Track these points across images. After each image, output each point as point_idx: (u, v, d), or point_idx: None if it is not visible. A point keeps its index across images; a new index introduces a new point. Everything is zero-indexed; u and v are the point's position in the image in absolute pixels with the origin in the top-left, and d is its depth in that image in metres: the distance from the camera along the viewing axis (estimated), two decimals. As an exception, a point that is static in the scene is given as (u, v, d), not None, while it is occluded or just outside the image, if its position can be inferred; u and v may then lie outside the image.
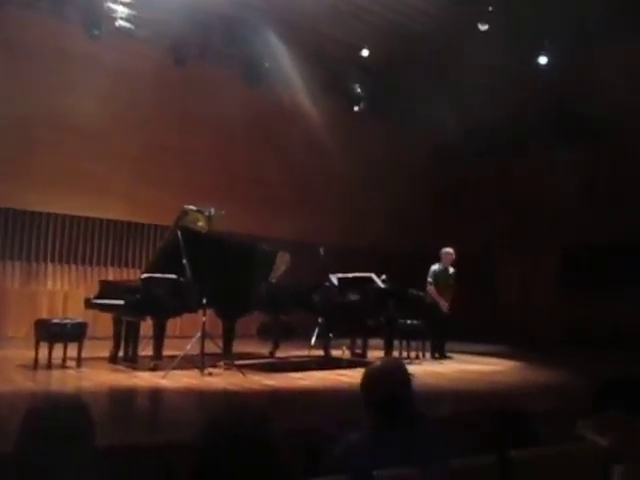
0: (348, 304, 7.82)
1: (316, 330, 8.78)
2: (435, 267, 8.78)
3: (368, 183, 13.13)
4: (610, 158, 11.64)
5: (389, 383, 2.05)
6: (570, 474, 2.11)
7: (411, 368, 6.69)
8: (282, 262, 7.65)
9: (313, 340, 8.69)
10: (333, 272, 8.40)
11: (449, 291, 8.76)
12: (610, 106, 10.87)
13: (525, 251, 12.89)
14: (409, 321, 8.49)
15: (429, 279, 8.75)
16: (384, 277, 8.29)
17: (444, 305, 8.63)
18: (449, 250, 8.84)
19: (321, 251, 8.82)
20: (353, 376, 6.04)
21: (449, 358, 8.57)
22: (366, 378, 2.11)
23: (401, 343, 8.59)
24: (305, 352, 8.49)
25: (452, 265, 8.86)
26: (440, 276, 8.75)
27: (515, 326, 12.44)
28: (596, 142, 11.64)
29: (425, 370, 7.31)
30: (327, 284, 8.14)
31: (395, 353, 8.25)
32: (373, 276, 8.09)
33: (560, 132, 11.88)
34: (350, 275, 8.21)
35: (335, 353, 8.49)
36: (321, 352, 8.45)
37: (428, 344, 8.76)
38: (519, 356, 8.96)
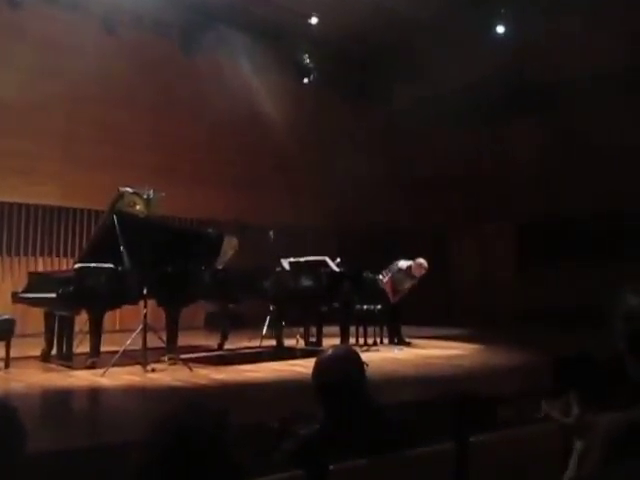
0: (301, 290, 7.86)
1: (267, 319, 8.80)
2: (402, 265, 8.61)
3: (320, 160, 13.11)
4: (564, 129, 11.90)
5: (340, 372, 2.06)
6: (530, 457, 2.18)
7: (368, 355, 6.61)
8: (229, 247, 7.64)
9: (264, 329, 8.70)
10: (284, 256, 8.42)
11: (402, 287, 8.72)
12: (564, 77, 11.12)
13: (480, 227, 13.13)
14: (365, 306, 8.56)
15: (389, 272, 8.63)
16: (338, 260, 8.35)
17: (392, 297, 8.65)
18: (424, 264, 8.56)
19: (271, 234, 8.86)
20: (308, 366, 6.07)
21: (408, 344, 8.71)
22: (316, 367, 2.12)
23: (357, 329, 8.65)
24: (256, 343, 8.53)
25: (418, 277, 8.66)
26: (401, 277, 8.63)
27: (474, 307, 12.70)
28: (550, 113, 11.85)
29: (383, 357, 7.40)
30: (278, 269, 8.15)
31: (352, 340, 8.32)
32: (327, 259, 8.12)
33: (514, 104, 12.08)
34: (302, 259, 8.23)
35: (288, 342, 8.51)
36: (273, 342, 8.48)
37: (386, 330, 8.86)
38: (480, 338, 9.15)
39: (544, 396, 2.53)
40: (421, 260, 8.58)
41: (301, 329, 8.76)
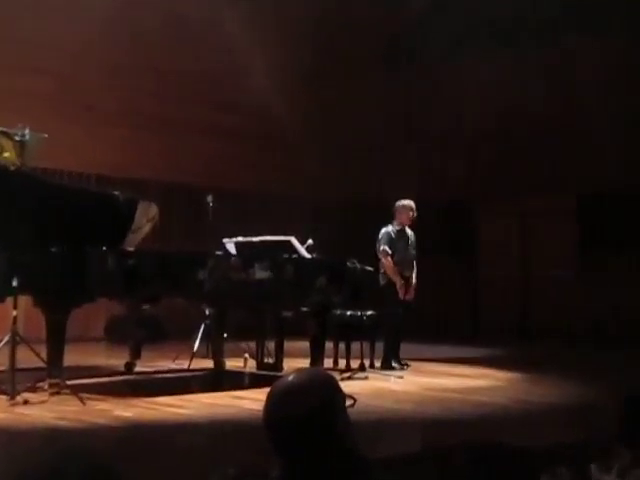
0: (253, 285, 7.80)
1: (201, 327, 8.82)
2: (389, 229, 9.04)
3: (285, 89, 12.95)
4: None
5: (306, 408, 2.04)
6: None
7: (351, 385, 6.65)
8: (146, 218, 7.67)
9: (196, 344, 8.70)
10: (229, 235, 8.41)
11: (410, 266, 9.03)
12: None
13: (523, 203, 13.17)
14: (349, 312, 8.60)
15: (384, 247, 8.92)
16: (310, 242, 8.33)
17: (404, 289, 8.86)
18: (408, 203, 9.08)
19: (209, 200, 8.81)
20: (260, 400, 6.09)
21: (405, 367, 8.81)
22: (271, 401, 2.10)
23: (337, 346, 8.69)
24: (184, 363, 8.56)
25: (410, 226, 9.12)
26: (397, 244, 8.97)
27: (512, 318, 12.83)
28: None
29: (375, 388, 7.47)
30: (219, 254, 8.11)
31: (327, 362, 8.34)
32: (293, 241, 8.09)
33: (577, 16, 12.00)
34: (256, 239, 8.22)
35: (232, 364, 8.55)
36: (210, 363, 8.49)
37: (381, 347, 8.92)
38: (518, 363, 9.22)
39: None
40: (402, 202, 9.11)
41: (252, 344, 8.76)
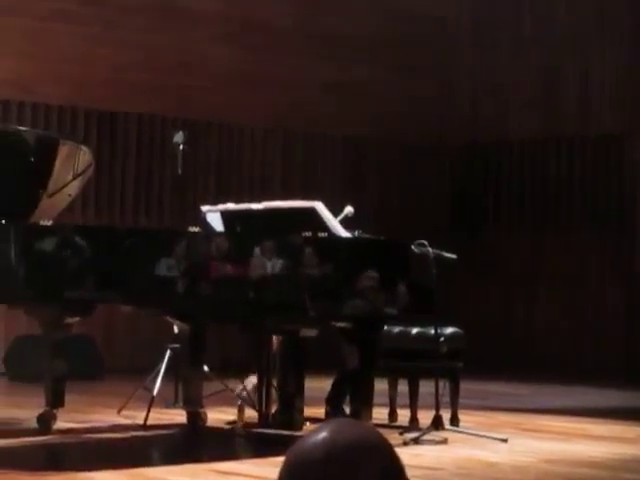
0: (251, 285, 7.93)
1: (166, 356, 9.04)
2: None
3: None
4: None
5: None
6: None
7: (423, 455, 6.38)
8: (72, 170, 8.01)
9: (157, 384, 8.84)
10: (212, 202, 9.05)
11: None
12: None
13: None
14: (415, 330, 8.60)
15: None
16: (350, 211, 8.42)
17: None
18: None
19: (179, 138, 9.25)
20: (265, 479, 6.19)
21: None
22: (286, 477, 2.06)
23: (395, 387, 8.89)
24: (136, 416, 8.69)
25: None
26: None
27: None
28: None
29: (461, 459, 7.49)
30: (195, 231, 8.28)
31: (378, 413, 8.39)
32: (318, 208, 8.07)
33: None
34: (261, 206, 8.44)
35: (218, 417, 8.78)
36: (181, 415, 8.73)
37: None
38: None
39: None
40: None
41: (252, 379, 8.71)
